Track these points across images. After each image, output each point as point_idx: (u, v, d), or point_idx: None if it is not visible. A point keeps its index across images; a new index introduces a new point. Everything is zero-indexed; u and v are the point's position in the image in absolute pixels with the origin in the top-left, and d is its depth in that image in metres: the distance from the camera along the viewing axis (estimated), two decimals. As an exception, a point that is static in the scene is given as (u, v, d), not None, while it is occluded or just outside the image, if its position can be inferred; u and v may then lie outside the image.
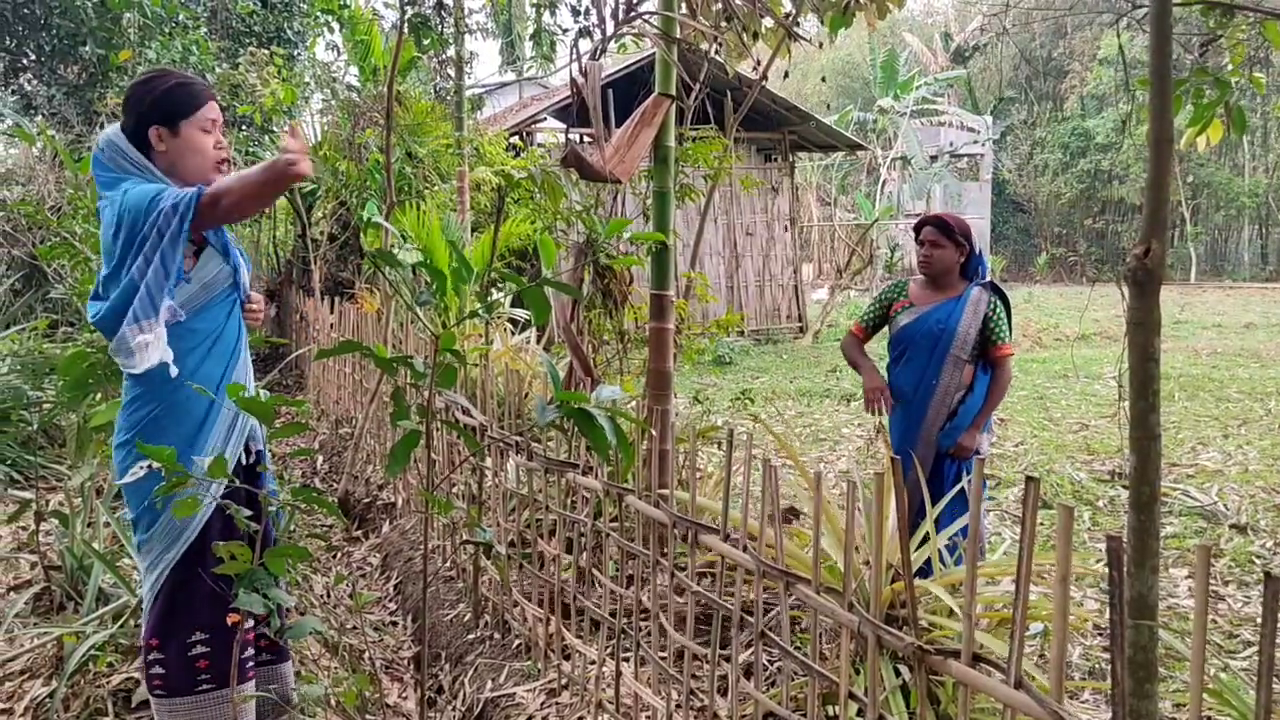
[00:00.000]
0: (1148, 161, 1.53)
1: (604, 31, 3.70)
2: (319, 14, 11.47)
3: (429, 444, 2.36)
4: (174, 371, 2.37)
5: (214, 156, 2.54)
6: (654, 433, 3.36)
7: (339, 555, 4.91)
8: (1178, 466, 6.63)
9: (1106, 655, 3.60)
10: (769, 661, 2.93)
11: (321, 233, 10.57)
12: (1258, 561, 4.78)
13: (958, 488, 3.60)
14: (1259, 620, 1.41)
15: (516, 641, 3.36)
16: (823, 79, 33.28)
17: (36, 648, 3.14)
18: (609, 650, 2.77)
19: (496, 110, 17.35)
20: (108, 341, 2.45)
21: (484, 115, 14.57)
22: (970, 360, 3.86)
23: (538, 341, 6.95)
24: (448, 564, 4.12)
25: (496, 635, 3.46)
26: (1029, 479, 1.43)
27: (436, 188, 9.83)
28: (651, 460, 2.72)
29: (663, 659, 2.52)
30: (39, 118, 9.85)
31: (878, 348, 4.38)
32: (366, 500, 5.41)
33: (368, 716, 3.08)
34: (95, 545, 3.55)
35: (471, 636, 3.52)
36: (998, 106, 33.29)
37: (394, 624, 4.05)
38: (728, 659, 2.37)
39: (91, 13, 9.43)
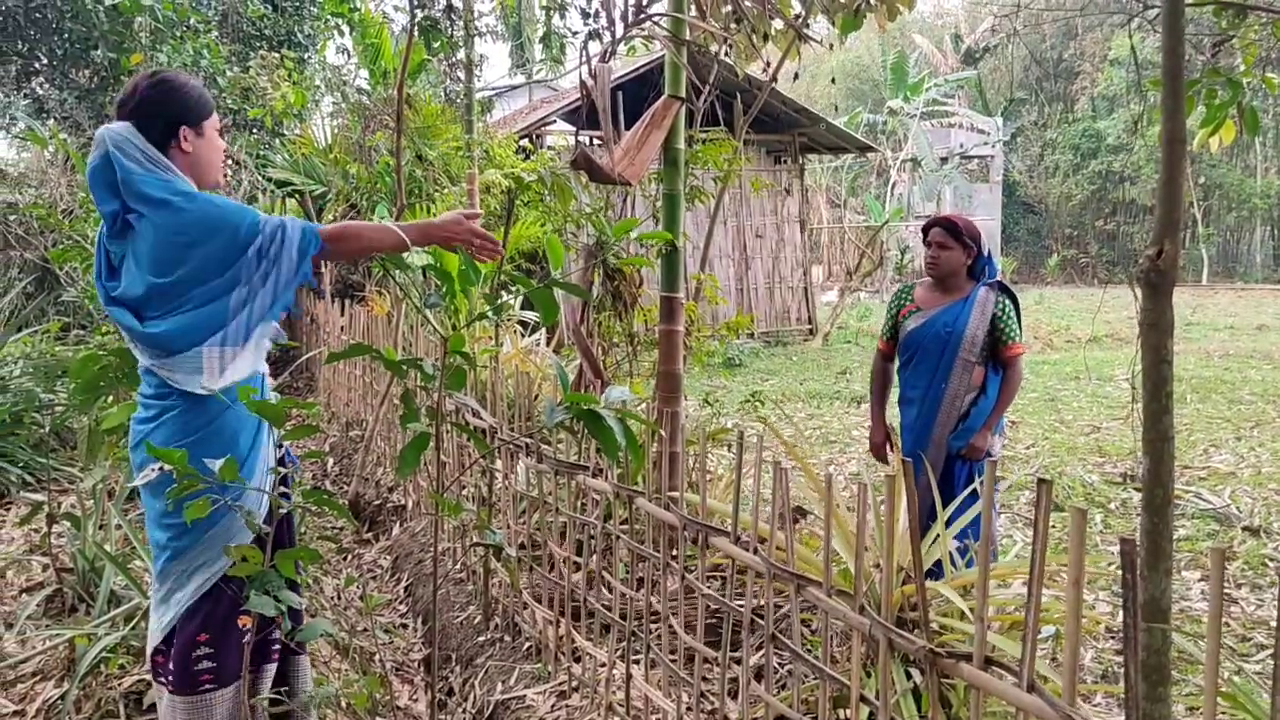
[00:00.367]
0: (1160, 162, 1.52)
1: (613, 34, 3.70)
2: (329, 17, 11.51)
3: (439, 446, 2.37)
4: (218, 386, 2.35)
5: (222, 154, 2.62)
6: (664, 435, 3.36)
7: (349, 557, 4.92)
8: (1190, 469, 6.60)
9: (1119, 658, 3.58)
10: (780, 664, 2.93)
11: (332, 235, 10.58)
12: (1271, 564, 4.74)
13: (969, 490, 3.59)
14: (1273, 623, 1.40)
15: (527, 644, 3.35)
16: (832, 81, 33.17)
17: (48, 649, 3.16)
18: (619, 653, 2.77)
19: (506, 113, 17.37)
20: (152, 351, 2.37)
21: (494, 118, 14.60)
22: (980, 362, 3.83)
23: (547, 344, 6.95)
24: (458, 566, 4.12)
25: (507, 638, 3.46)
26: (1041, 481, 1.42)
27: (446, 190, 9.84)
28: (661, 462, 2.71)
29: (673, 661, 2.52)
30: (51, 121, 9.93)
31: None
32: (377, 502, 5.42)
33: (378, 719, 3.08)
34: (107, 547, 3.56)
35: (482, 639, 3.51)
36: (1008, 108, 33.19)
37: (404, 626, 4.05)
38: (738, 662, 2.37)
39: (103, 17, 9.48)
